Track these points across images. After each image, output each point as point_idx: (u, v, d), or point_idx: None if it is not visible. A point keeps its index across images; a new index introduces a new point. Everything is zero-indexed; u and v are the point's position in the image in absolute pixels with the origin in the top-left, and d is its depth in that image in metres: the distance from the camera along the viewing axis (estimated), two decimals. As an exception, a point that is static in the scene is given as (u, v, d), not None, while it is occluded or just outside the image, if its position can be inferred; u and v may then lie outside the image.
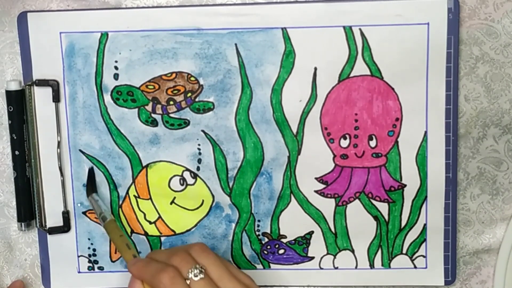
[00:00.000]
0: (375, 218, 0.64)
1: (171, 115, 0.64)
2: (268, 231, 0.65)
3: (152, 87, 0.63)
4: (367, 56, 0.62)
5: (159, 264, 0.52)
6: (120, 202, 0.65)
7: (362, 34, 0.62)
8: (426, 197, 0.64)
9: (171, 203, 0.65)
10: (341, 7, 0.61)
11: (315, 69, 0.62)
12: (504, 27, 0.62)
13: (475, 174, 0.64)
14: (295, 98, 0.63)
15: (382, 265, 0.65)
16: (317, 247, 0.65)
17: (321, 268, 0.66)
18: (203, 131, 0.64)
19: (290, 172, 0.64)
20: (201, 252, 0.53)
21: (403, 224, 0.64)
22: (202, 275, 0.51)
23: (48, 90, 0.64)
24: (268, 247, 0.66)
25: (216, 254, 0.54)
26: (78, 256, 0.66)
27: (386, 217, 0.64)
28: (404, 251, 0.65)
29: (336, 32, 0.62)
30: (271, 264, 0.66)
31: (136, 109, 0.64)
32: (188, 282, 0.51)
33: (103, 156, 0.65)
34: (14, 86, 0.63)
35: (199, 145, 0.64)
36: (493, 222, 0.65)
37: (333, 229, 0.65)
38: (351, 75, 0.62)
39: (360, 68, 0.62)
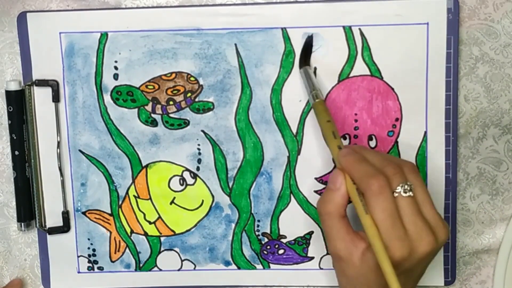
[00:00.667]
0: (375, 218, 0.64)
1: (171, 115, 0.64)
2: (268, 231, 0.65)
3: (152, 87, 0.63)
4: (367, 56, 0.62)
5: (371, 168, 0.51)
6: (120, 202, 0.66)
7: (362, 34, 0.62)
8: (426, 197, 0.64)
9: (171, 203, 0.65)
10: (341, 7, 0.61)
11: (315, 69, 0.62)
12: (504, 27, 0.62)
13: (475, 174, 0.64)
14: (295, 98, 0.63)
15: (382, 265, 0.65)
16: (317, 247, 0.65)
17: (321, 268, 0.66)
18: (203, 131, 0.64)
19: (290, 172, 0.64)
20: (412, 171, 0.52)
21: (403, 224, 0.64)
22: (411, 193, 0.50)
23: (48, 90, 0.64)
24: (268, 247, 0.66)
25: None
26: (78, 256, 0.66)
27: (386, 217, 0.64)
28: (404, 251, 0.65)
29: (336, 32, 0.62)
30: (271, 264, 0.66)
31: (136, 109, 0.64)
32: (395, 195, 0.50)
33: (102, 156, 0.65)
34: (14, 86, 0.63)
35: (198, 145, 0.64)
36: (492, 222, 0.65)
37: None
38: (351, 75, 0.62)
39: (360, 68, 0.62)
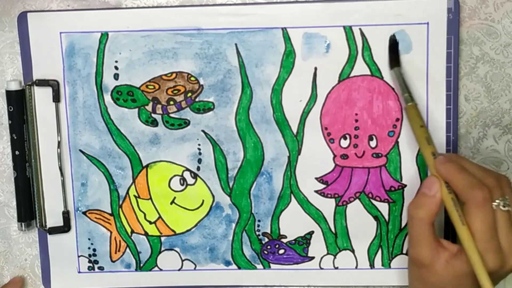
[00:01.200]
0: (375, 218, 0.64)
1: (171, 115, 0.64)
2: (268, 231, 0.65)
3: (152, 87, 0.63)
4: (367, 56, 0.62)
5: (474, 179, 0.51)
6: (120, 202, 0.66)
7: (362, 34, 0.62)
8: (426, 197, 0.64)
9: (171, 203, 0.65)
10: (341, 7, 0.61)
11: (315, 69, 0.62)
12: (504, 27, 0.62)
13: (475, 174, 0.64)
14: (295, 98, 0.63)
15: (382, 265, 0.65)
16: (317, 247, 0.65)
17: (321, 268, 0.66)
18: (203, 131, 0.64)
19: (290, 172, 0.64)
20: (508, 185, 0.53)
21: (403, 224, 0.64)
22: (510, 208, 0.51)
23: (48, 90, 0.64)
24: (268, 247, 0.66)
25: None
26: (78, 256, 0.66)
27: (386, 217, 0.64)
28: (404, 251, 0.65)
29: (336, 32, 0.62)
30: (271, 264, 0.66)
31: (136, 109, 0.64)
32: (493, 207, 0.51)
33: (103, 156, 0.65)
34: (14, 86, 0.63)
35: (199, 145, 0.64)
36: (493, 222, 0.65)
37: (333, 229, 0.65)
38: (351, 75, 0.62)
39: (360, 68, 0.62)
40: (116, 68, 0.63)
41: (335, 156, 0.64)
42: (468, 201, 0.51)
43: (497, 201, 0.51)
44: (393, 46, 0.61)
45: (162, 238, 0.66)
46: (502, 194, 0.51)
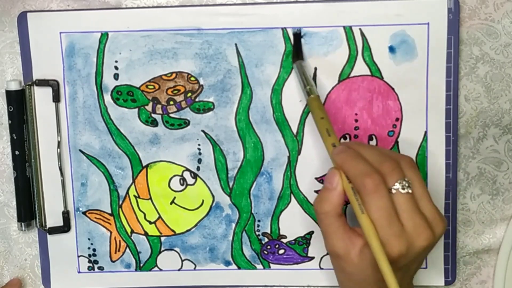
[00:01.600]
0: (375, 218, 0.64)
1: (171, 115, 0.64)
2: (268, 231, 0.65)
3: (152, 87, 0.63)
4: (367, 56, 0.62)
5: (366, 166, 0.50)
6: (120, 202, 0.66)
7: (362, 34, 0.62)
8: (426, 197, 0.64)
9: (171, 203, 0.65)
10: (341, 7, 0.61)
11: (315, 69, 0.62)
12: (504, 27, 0.62)
13: (475, 174, 0.64)
14: (295, 98, 0.63)
15: (382, 265, 0.65)
16: (317, 247, 0.65)
17: (321, 268, 0.66)
18: (203, 131, 0.64)
19: (290, 172, 0.64)
20: (410, 166, 0.52)
21: (403, 224, 0.64)
22: (409, 190, 0.50)
23: (48, 90, 0.64)
24: (268, 247, 0.66)
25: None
26: (78, 256, 0.66)
27: (386, 217, 0.64)
28: (404, 251, 0.65)
29: (336, 32, 0.62)
30: (271, 264, 0.66)
31: (136, 109, 0.64)
32: (393, 191, 0.50)
33: (103, 156, 0.65)
34: (14, 86, 0.63)
35: (199, 145, 0.64)
36: (493, 222, 0.65)
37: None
38: (351, 75, 0.62)
39: (360, 68, 0.62)
40: (116, 68, 0.63)
41: (335, 156, 0.64)
42: (360, 190, 0.50)
43: (396, 184, 0.50)
44: (296, 39, 0.60)
45: (162, 238, 0.66)
46: (401, 177, 0.50)
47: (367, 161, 0.51)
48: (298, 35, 0.61)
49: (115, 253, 0.66)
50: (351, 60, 0.62)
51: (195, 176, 0.65)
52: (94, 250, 0.66)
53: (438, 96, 0.62)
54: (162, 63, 0.63)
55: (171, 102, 0.63)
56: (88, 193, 0.65)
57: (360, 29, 0.61)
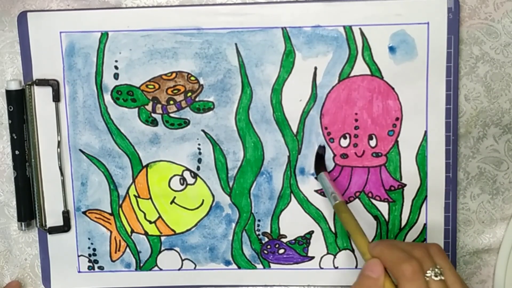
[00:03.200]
0: (375, 217, 0.64)
1: (171, 114, 0.64)
2: (268, 231, 0.65)
3: (152, 86, 0.63)
4: (367, 56, 0.62)
5: (403, 253, 0.52)
6: (120, 202, 0.66)
7: (362, 33, 0.62)
8: (426, 196, 0.64)
9: (171, 203, 0.65)
10: (341, 7, 0.61)
11: (315, 68, 0.62)
12: (504, 26, 0.62)
13: (475, 174, 0.64)
14: (295, 98, 0.63)
15: (382, 264, 0.65)
16: (317, 246, 0.65)
17: (321, 268, 0.66)
18: (203, 130, 0.64)
19: (290, 172, 0.64)
20: (439, 253, 0.53)
21: (403, 223, 0.64)
22: (442, 277, 0.51)
23: (48, 90, 0.64)
24: (268, 246, 0.66)
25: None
26: (78, 256, 0.66)
27: (386, 217, 0.64)
28: (404, 251, 0.65)
29: (336, 31, 0.62)
30: (271, 264, 0.66)
31: (136, 109, 0.64)
32: (426, 279, 0.51)
33: (103, 156, 0.65)
34: (14, 86, 0.63)
35: (199, 144, 0.64)
36: (493, 221, 0.65)
37: (333, 229, 0.65)
38: (351, 74, 0.62)
39: (360, 67, 0.62)
40: (116, 67, 0.63)
41: (335, 155, 0.64)
42: (399, 277, 0.51)
43: (428, 272, 0.51)
44: (320, 156, 0.63)
45: (162, 238, 0.66)
46: (432, 264, 0.52)
47: (401, 249, 0.53)
48: (323, 152, 0.63)
49: (115, 252, 0.66)
50: (351, 60, 0.62)
51: (195, 175, 0.65)
52: (94, 249, 0.66)
53: (438, 95, 0.62)
54: (162, 63, 0.63)
55: (171, 102, 0.63)
56: (88, 193, 0.65)
57: (360, 29, 0.61)
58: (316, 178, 0.63)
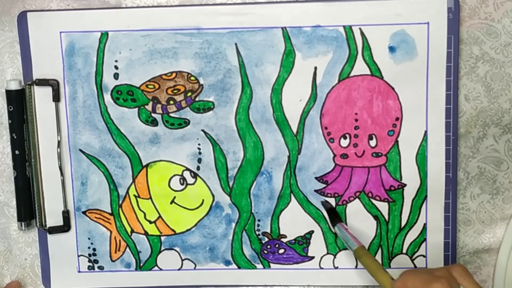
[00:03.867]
0: (375, 217, 0.64)
1: (171, 114, 0.64)
2: (268, 231, 0.65)
3: (152, 86, 0.63)
4: (367, 56, 0.62)
5: (428, 275, 0.54)
6: (120, 202, 0.65)
7: (362, 33, 0.62)
8: (426, 196, 0.64)
9: (171, 203, 0.65)
10: (341, 7, 0.61)
11: (315, 68, 0.62)
12: (504, 26, 0.62)
13: (475, 174, 0.64)
14: (295, 98, 0.63)
15: (382, 264, 0.65)
16: (317, 246, 0.65)
17: (321, 268, 0.66)
18: (203, 130, 0.64)
19: (290, 172, 0.64)
20: (463, 273, 0.55)
21: (403, 223, 0.64)
22: None
23: (48, 90, 0.64)
24: (268, 246, 0.66)
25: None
26: (78, 256, 0.66)
27: (386, 217, 0.64)
28: (404, 251, 0.65)
29: (336, 31, 0.62)
30: (271, 264, 0.66)
31: (136, 109, 0.64)
32: None
33: (103, 156, 0.65)
34: (14, 86, 0.63)
35: (199, 144, 0.64)
36: (493, 221, 0.65)
37: (333, 229, 0.65)
38: (351, 74, 0.62)
39: (360, 67, 0.62)
40: (116, 67, 0.63)
41: (335, 155, 0.64)
42: None
43: None
44: (330, 209, 0.64)
45: (162, 238, 0.66)
46: (456, 284, 0.53)
47: (425, 272, 0.55)
48: (329, 205, 0.64)
49: (115, 252, 0.66)
50: (351, 60, 0.62)
51: (195, 175, 0.65)
52: (94, 249, 0.66)
53: (438, 95, 0.62)
54: (162, 63, 0.63)
55: (171, 102, 0.63)
56: (88, 193, 0.65)
57: (360, 29, 0.61)
58: (333, 228, 0.64)
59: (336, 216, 0.64)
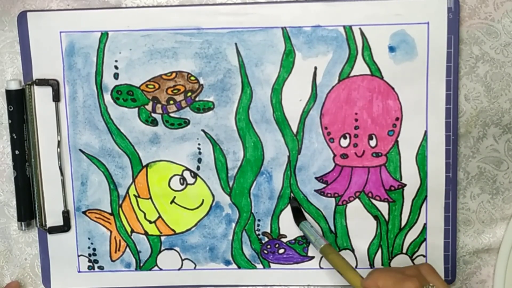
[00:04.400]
0: (375, 217, 0.64)
1: (171, 114, 0.64)
2: (268, 231, 0.65)
3: (152, 86, 0.63)
4: (367, 56, 0.62)
5: (399, 274, 0.54)
6: (120, 202, 0.65)
7: (362, 33, 0.62)
8: (426, 196, 0.64)
9: (171, 203, 0.65)
10: (341, 7, 0.61)
11: (315, 68, 0.62)
12: (504, 26, 0.62)
13: (475, 174, 0.64)
14: (295, 98, 0.63)
15: (382, 264, 0.65)
16: (317, 246, 0.65)
17: (321, 268, 0.66)
18: (203, 130, 0.64)
19: (290, 172, 0.64)
20: (431, 272, 0.55)
21: (403, 223, 0.64)
22: None
23: (48, 90, 0.64)
24: (268, 246, 0.66)
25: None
26: (78, 256, 0.66)
27: (386, 217, 0.64)
28: (404, 251, 0.65)
29: (336, 31, 0.62)
30: (271, 264, 0.66)
31: (136, 109, 0.64)
32: None
33: (103, 156, 0.65)
34: (14, 86, 0.63)
35: (199, 144, 0.64)
36: (493, 221, 0.65)
37: (333, 229, 0.65)
38: (351, 74, 0.62)
39: (360, 67, 0.62)
40: (116, 67, 0.63)
41: (335, 155, 0.64)
42: None
43: None
44: (295, 207, 0.64)
45: (162, 238, 0.66)
46: (426, 282, 0.54)
47: (395, 271, 0.55)
48: (295, 202, 0.64)
49: (115, 252, 0.66)
50: (351, 60, 0.62)
51: (195, 175, 0.65)
52: (94, 249, 0.66)
53: (438, 95, 0.62)
54: (162, 63, 0.63)
55: (171, 102, 0.63)
56: (88, 193, 0.65)
57: (360, 29, 0.61)
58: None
59: (301, 214, 0.64)
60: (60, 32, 0.63)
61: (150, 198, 0.65)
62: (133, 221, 0.66)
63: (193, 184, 0.65)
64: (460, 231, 0.65)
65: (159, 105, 0.64)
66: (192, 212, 0.65)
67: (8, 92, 0.63)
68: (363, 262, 0.65)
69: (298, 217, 0.64)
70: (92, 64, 0.63)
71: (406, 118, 0.63)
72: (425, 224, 0.64)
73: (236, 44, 0.62)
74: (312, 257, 0.66)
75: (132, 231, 0.66)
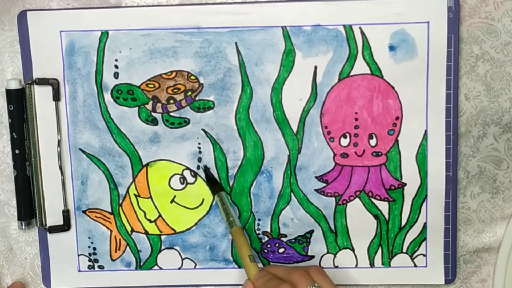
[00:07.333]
0: (375, 217, 0.64)
1: (171, 114, 0.64)
2: (268, 230, 0.65)
3: (152, 85, 0.63)
4: (367, 55, 0.62)
5: (276, 280, 0.56)
6: (120, 201, 0.66)
7: (362, 33, 0.62)
8: (426, 195, 0.64)
9: (171, 202, 0.65)
10: (341, 6, 0.61)
11: (315, 67, 0.62)
12: (504, 25, 0.62)
13: (475, 173, 0.64)
14: (295, 97, 0.63)
15: (382, 264, 0.65)
16: (317, 246, 0.65)
17: (321, 267, 0.66)
18: (203, 129, 0.64)
19: (290, 171, 0.64)
20: (319, 273, 0.57)
21: (403, 222, 0.64)
22: None
23: (48, 89, 0.64)
24: (268, 246, 0.66)
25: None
26: (78, 255, 0.66)
27: (386, 216, 0.64)
28: (404, 250, 0.65)
29: (336, 30, 0.62)
30: (271, 263, 0.66)
31: (136, 108, 0.64)
32: None
33: (103, 155, 0.65)
34: (14, 85, 0.63)
35: (199, 144, 0.64)
36: (493, 220, 0.65)
37: (333, 228, 0.65)
38: (351, 73, 0.62)
39: (360, 66, 0.62)
40: (116, 66, 0.63)
41: (335, 154, 0.64)
42: None
43: None
44: (208, 175, 0.64)
45: (162, 237, 0.66)
46: (310, 282, 0.55)
47: (278, 277, 0.57)
48: (208, 171, 0.64)
49: (115, 251, 0.66)
50: (351, 59, 0.62)
51: (195, 174, 0.65)
52: (94, 249, 0.66)
53: (438, 94, 0.62)
54: (162, 62, 0.63)
55: (171, 101, 0.63)
56: (88, 192, 0.65)
57: (360, 28, 0.61)
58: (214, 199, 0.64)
59: (216, 184, 0.64)
60: (60, 31, 0.63)
61: (150, 197, 0.65)
62: (133, 220, 0.66)
63: (193, 183, 0.65)
64: (460, 230, 0.65)
65: (159, 105, 0.64)
66: (192, 211, 0.65)
67: (8, 92, 0.63)
68: (363, 262, 0.65)
69: (214, 187, 0.63)
70: (92, 63, 0.63)
71: (406, 117, 0.63)
72: (425, 223, 0.64)
73: (236, 43, 0.62)
74: (312, 257, 0.66)
75: (132, 230, 0.66)
